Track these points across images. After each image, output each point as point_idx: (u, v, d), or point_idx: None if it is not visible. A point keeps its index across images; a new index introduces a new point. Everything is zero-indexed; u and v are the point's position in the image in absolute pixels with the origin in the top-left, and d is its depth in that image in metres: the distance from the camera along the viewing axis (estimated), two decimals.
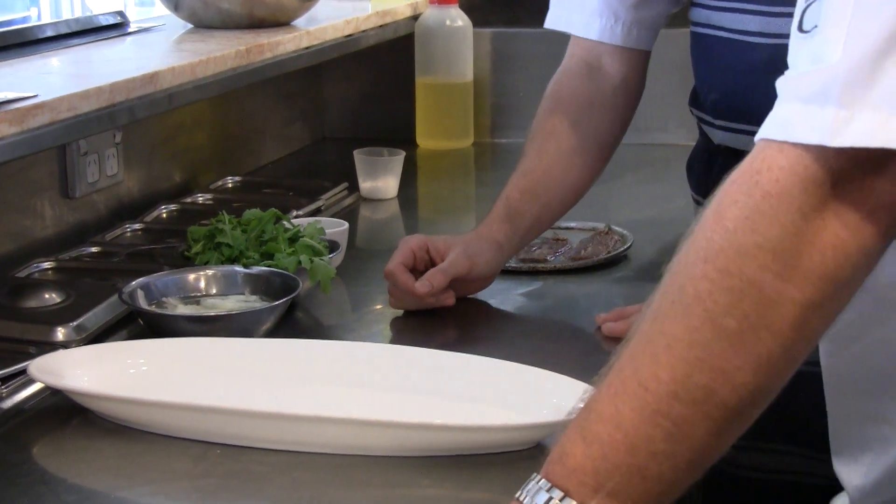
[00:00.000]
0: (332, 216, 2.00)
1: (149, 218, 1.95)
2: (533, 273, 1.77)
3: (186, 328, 1.45)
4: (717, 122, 1.55)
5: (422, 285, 1.58)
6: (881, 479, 1.12)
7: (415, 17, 2.59)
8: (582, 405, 0.89)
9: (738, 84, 1.49)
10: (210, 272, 1.59)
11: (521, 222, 1.64)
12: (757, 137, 0.86)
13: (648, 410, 0.85)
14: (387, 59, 2.67)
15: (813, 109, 0.82)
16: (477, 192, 2.41)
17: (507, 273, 1.76)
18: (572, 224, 1.95)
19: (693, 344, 0.84)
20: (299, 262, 1.62)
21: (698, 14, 1.57)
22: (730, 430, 0.86)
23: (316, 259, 1.64)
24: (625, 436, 0.86)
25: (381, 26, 2.48)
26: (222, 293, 1.57)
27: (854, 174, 0.83)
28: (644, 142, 2.59)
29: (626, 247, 1.84)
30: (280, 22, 2.20)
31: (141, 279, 1.55)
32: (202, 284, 1.58)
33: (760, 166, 0.84)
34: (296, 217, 1.92)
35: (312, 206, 2.06)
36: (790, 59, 0.87)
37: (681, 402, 0.84)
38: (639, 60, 1.65)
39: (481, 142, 2.65)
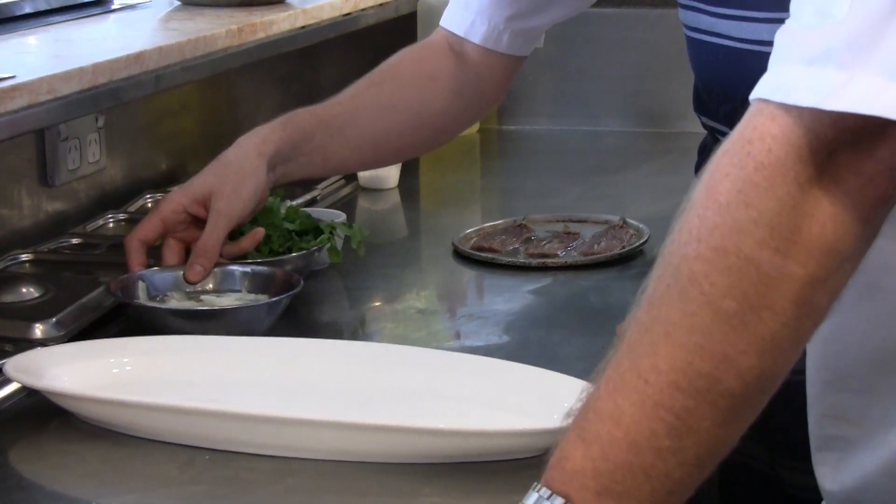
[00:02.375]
0: (329, 207, 2.01)
1: (133, 207, 1.95)
2: (542, 269, 1.77)
3: (179, 325, 1.45)
4: None
5: (190, 272, 1.52)
6: (851, 483, 1.12)
7: None
8: (580, 405, 0.89)
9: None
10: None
11: (298, 138, 1.59)
12: (752, 96, 0.86)
13: (649, 404, 0.85)
14: (387, 39, 2.66)
15: (812, 71, 0.82)
16: (482, 182, 2.42)
17: (515, 269, 1.77)
18: (585, 216, 1.95)
19: (692, 329, 0.84)
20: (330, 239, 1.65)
21: (696, 19, 1.53)
22: (737, 419, 0.86)
23: (346, 228, 1.67)
24: (626, 433, 0.85)
25: (381, 5, 2.47)
26: (221, 290, 1.57)
27: (851, 141, 0.83)
28: (662, 130, 2.60)
29: (641, 241, 1.84)
30: (274, 0, 2.20)
31: (137, 272, 1.55)
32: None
33: (752, 135, 0.84)
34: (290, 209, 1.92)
35: (308, 197, 2.06)
36: (793, 5, 0.87)
37: (683, 392, 0.84)
38: (503, 64, 1.66)
39: (487, 128, 2.65)
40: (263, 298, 1.53)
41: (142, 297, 1.52)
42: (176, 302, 1.53)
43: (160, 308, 1.50)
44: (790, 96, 0.83)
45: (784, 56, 0.85)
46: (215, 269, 1.57)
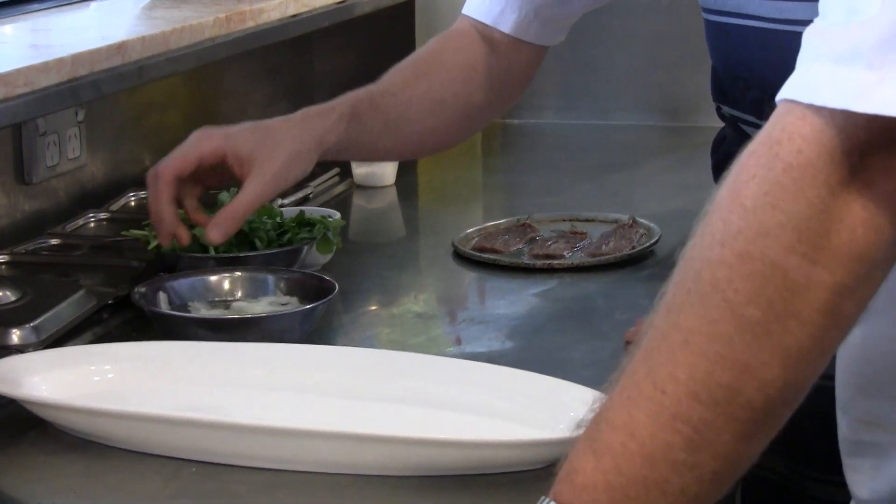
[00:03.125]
0: (322, 206, 2.00)
1: (115, 206, 1.95)
2: (547, 270, 1.77)
3: (204, 335, 1.44)
4: (763, 123, 1.54)
5: (214, 233, 1.50)
6: (886, 491, 1.12)
7: None
8: (592, 415, 0.89)
9: (784, 79, 1.48)
10: (238, 273, 1.58)
11: (358, 133, 1.60)
12: (778, 97, 0.86)
13: (666, 415, 0.85)
14: (384, 28, 2.67)
15: (841, 70, 0.83)
16: (484, 180, 2.42)
17: (519, 270, 1.77)
18: (592, 215, 1.95)
19: (713, 338, 0.84)
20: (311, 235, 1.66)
21: (720, 1, 1.51)
22: (758, 433, 0.86)
23: (327, 218, 1.70)
24: (641, 445, 0.85)
25: None
26: (252, 296, 1.56)
27: (884, 143, 0.83)
28: (675, 124, 2.60)
29: (652, 241, 1.84)
30: None
31: (160, 280, 1.54)
32: (226, 286, 1.57)
33: (780, 136, 0.84)
34: (281, 206, 1.92)
35: (299, 195, 2.06)
36: (821, 3, 0.87)
37: (702, 404, 0.84)
38: (530, 54, 1.69)
39: (490, 123, 2.64)
40: (296, 304, 1.53)
41: (163, 307, 1.52)
42: (205, 311, 1.53)
43: (185, 317, 1.49)
44: (819, 97, 0.83)
45: (812, 55, 0.85)
46: (244, 274, 1.57)
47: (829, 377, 1.15)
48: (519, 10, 1.66)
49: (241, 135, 1.55)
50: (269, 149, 1.54)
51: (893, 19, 0.81)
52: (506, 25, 1.66)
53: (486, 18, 1.68)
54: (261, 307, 1.53)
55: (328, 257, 1.76)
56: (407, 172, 2.25)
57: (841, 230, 0.83)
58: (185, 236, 1.53)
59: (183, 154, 1.54)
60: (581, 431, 0.90)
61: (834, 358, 1.06)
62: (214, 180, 1.57)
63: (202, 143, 1.54)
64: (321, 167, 2.20)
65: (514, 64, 1.69)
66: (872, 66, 0.81)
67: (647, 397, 0.85)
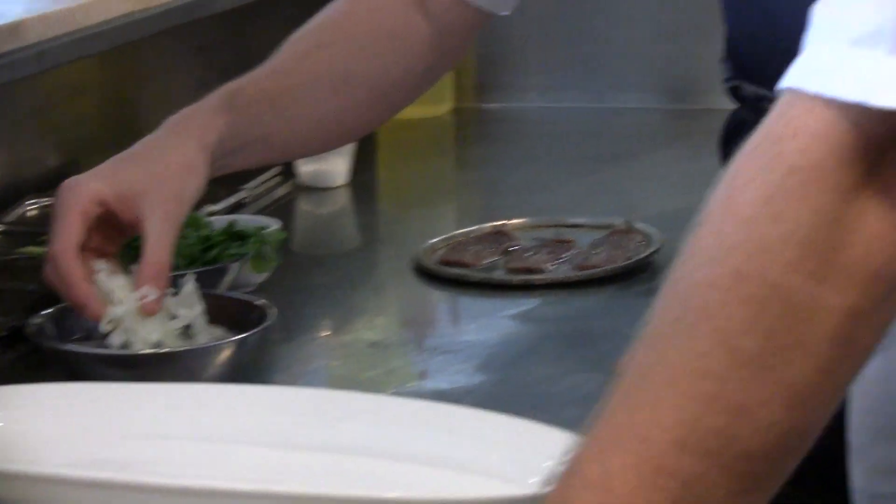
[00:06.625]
0: (260, 212, 2.01)
1: (11, 218, 1.95)
2: (526, 287, 1.77)
3: (112, 373, 1.44)
4: None
5: (149, 307, 1.46)
6: None
7: None
8: (563, 468, 0.88)
9: None
10: None
11: (245, 124, 1.56)
12: (782, 84, 0.86)
13: (649, 468, 0.84)
14: None
15: (858, 55, 0.82)
16: (458, 176, 2.43)
17: (493, 287, 1.77)
18: (581, 220, 1.95)
19: (703, 375, 0.84)
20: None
21: None
22: (758, 487, 0.85)
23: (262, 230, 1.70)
24: None
25: None
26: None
27: None
28: (684, 106, 2.60)
29: (651, 250, 1.84)
30: None
31: (60, 309, 1.53)
32: None
33: (784, 132, 0.84)
34: (210, 214, 1.92)
35: (232, 200, 2.06)
36: None
37: (690, 453, 0.84)
38: (471, 19, 1.63)
39: (463, 107, 2.66)
40: (222, 334, 1.52)
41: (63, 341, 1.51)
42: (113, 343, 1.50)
43: (89, 353, 1.48)
44: (830, 86, 0.83)
45: (823, 34, 0.85)
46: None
47: (840, 418, 1.15)
48: None
49: (113, 169, 1.52)
50: (152, 175, 1.50)
51: None
52: None
53: None
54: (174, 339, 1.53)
55: (265, 276, 1.76)
56: (363, 169, 2.25)
57: (854, 244, 0.83)
58: None
59: (64, 225, 1.47)
60: (551, 488, 0.90)
61: (846, 396, 1.06)
62: (123, 221, 1.51)
63: (75, 202, 1.47)
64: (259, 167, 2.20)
65: (448, 31, 1.64)
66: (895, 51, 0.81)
67: (627, 446, 0.85)
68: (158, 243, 1.48)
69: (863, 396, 1.15)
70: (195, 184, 1.52)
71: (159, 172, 1.50)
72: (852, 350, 0.85)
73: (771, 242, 0.83)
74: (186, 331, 1.51)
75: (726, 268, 0.84)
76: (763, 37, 1.54)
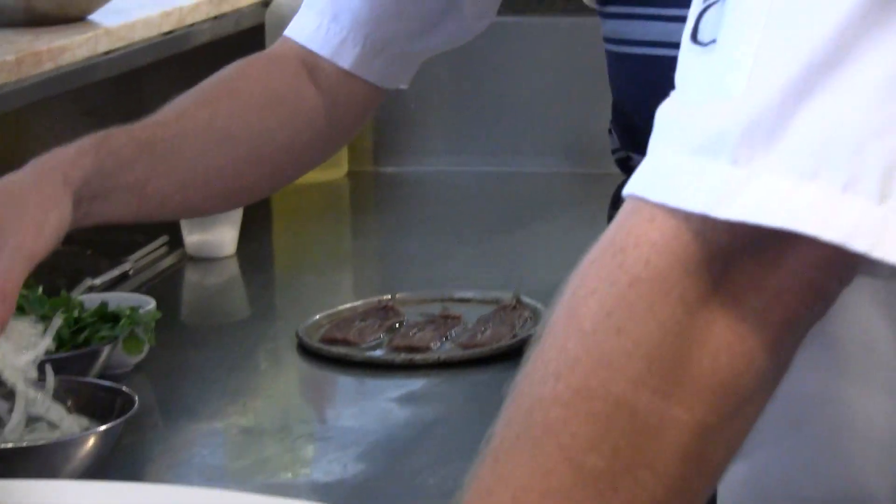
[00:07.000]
0: (146, 283, 1.98)
1: None
2: (410, 367, 1.75)
3: None
4: None
5: None
6: None
7: (265, 4, 2.59)
8: None
9: None
10: None
11: (114, 166, 1.51)
12: (625, 191, 0.84)
13: None
14: (228, 58, 2.63)
15: (700, 164, 0.80)
16: (354, 244, 2.41)
17: (375, 367, 1.75)
18: (469, 294, 1.93)
19: (547, 494, 0.81)
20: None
21: (612, 28, 1.54)
22: None
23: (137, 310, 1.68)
24: None
25: (216, 18, 2.47)
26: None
27: (751, 250, 0.81)
28: (585, 170, 2.59)
29: (538, 327, 1.81)
30: (70, 17, 2.19)
31: None
32: None
33: (625, 242, 0.82)
34: (89, 289, 1.89)
35: (115, 272, 2.04)
36: (678, 74, 0.86)
37: None
38: (366, 94, 1.63)
39: (359, 171, 2.65)
40: (86, 425, 1.48)
41: None
42: None
43: None
44: (672, 196, 0.81)
45: (666, 140, 0.84)
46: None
47: None
48: (363, 41, 1.61)
49: None
50: (10, 205, 1.45)
51: (764, 101, 0.79)
52: (346, 60, 1.62)
53: (320, 49, 1.61)
54: (37, 433, 1.49)
55: (139, 357, 1.72)
56: (256, 236, 2.24)
57: (701, 357, 0.81)
58: None
59: None
60: None
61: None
62: None
63: None
64: (146, 236, 2.17)
65: (341, 102, 1.63)
66: (738, 160, 0.79)
67: None
68: (10, 270, 1.43)
69: (731, 502, 1.13)
70: (56, 217, 1.47)
71: (17, 205, 1.46)
72: (703, 467, 0.83)
73: (614, 357, 0.81)
74: (48, 424, 1.48)
75: (569, 383, 0.81)
76: (648, 109, 1.52)
